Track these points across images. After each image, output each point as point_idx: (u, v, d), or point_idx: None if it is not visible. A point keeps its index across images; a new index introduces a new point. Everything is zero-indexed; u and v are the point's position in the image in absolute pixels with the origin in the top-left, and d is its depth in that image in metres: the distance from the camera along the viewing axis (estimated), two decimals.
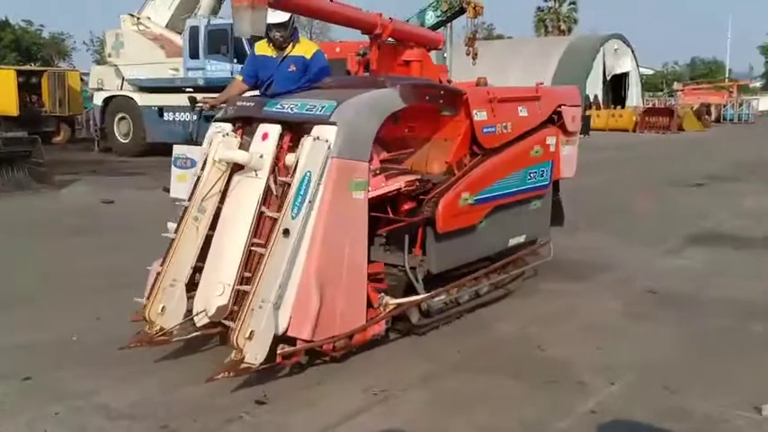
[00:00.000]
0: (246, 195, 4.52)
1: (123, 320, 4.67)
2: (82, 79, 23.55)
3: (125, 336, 4.46)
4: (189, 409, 3.84)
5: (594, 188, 11.58)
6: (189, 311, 4.49)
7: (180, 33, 17.91)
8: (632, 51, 43.50)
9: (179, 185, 5.55)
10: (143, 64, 18.02)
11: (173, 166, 5.74)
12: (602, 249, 7.71)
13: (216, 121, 4.99)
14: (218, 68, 16.71)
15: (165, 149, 18.56)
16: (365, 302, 4.51)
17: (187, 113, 17.53)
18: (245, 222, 4.44)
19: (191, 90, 17.29)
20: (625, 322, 5.45)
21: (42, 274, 6.67)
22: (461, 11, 16.78)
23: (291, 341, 4.14)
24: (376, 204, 4.71)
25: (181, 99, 17.64)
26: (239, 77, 5.41)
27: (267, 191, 4.50)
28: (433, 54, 7.69)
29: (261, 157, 4.51)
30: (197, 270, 4.56)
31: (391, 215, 4.96)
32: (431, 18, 17.33)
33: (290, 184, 4.31)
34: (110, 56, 19.18)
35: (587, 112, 28.36)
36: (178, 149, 5.78)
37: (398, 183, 4.83)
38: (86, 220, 9.61)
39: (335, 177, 4.29)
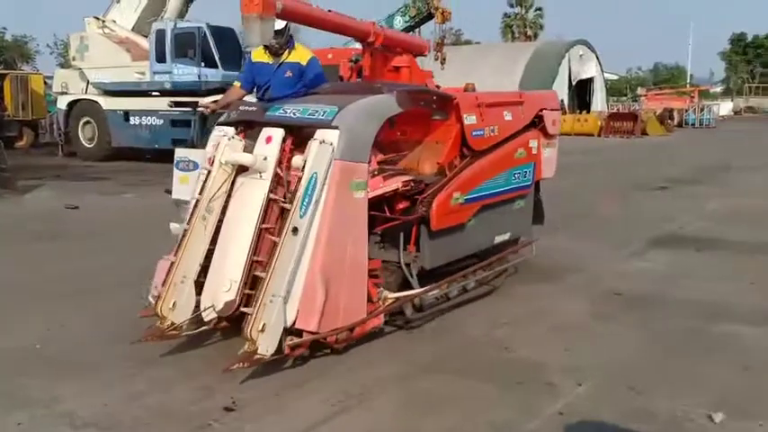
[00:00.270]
0: (251, 196, 4.73)
1: (88, 326, 4.60)
2: (45, 83, 23.18)
3: (92, 342, 4.39)
4: (156, 417, 3.79)
5: (562, 192, 11.70)
6: (197, 307, 4.66)
7: (146, 37, 17.68)
8: (597, 57, 44.21)
9: (181, 187, 5.70)
10: (108, 67, 17.75)
11: (175, 169, 5.88)
12: (569, 251, 7.81)
13: (219, 124, 5.23)
14: (186, 72, 16.59)
15: (130, 154, 18.48)
16: (366, 297, 4.75)
17: (153, 117, 17.36)
18: (250, 221, 4.63)
19: (157, 94, 17.12)
20: (592, 323, 5.53)
21: (5, 279, 6.53)
22: (429, 16, 16.89)
23: (298, 333, 4.37)
24: (372, 204, 4.94)
25: (147, 103, 17.45)
26: (237, 83, 5.69)
27: (272, 190, 4.69)
28: None
29: (265, 159, 4.73)
30: (204, 269, 4.75)
31: (387, 214, 5.21)
32: (399, 23, 17.40)
33: (294, 183, 4.53)
34: (74, 59, 18.84)
35: None
36: (180, 152, 5.97)
37: (396, 183, 5.14)
38: (51, 225, 9.45)
39: (338, 178, 4.55)
